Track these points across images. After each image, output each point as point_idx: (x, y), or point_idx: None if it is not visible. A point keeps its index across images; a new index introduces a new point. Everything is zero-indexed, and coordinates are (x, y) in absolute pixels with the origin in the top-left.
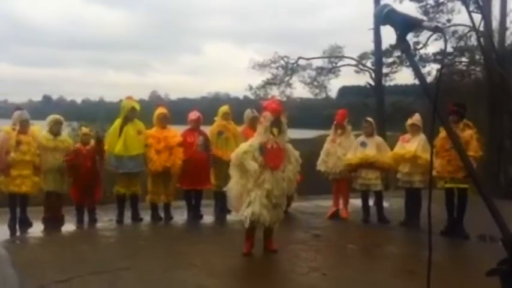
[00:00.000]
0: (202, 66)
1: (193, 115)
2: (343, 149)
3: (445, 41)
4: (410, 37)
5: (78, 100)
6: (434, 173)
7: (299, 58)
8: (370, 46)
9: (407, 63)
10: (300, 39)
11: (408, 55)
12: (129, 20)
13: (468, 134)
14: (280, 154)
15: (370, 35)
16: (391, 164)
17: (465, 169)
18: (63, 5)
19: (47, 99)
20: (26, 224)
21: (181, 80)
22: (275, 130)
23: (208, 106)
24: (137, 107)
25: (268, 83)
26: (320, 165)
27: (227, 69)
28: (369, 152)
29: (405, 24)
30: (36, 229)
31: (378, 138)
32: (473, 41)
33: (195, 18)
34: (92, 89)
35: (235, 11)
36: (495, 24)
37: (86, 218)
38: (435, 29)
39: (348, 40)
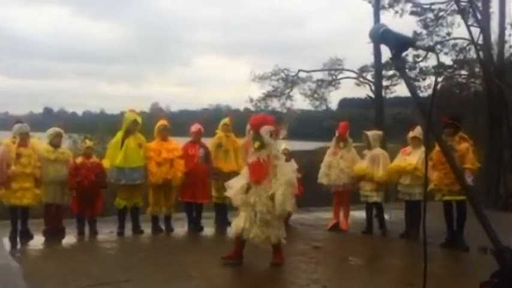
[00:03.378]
0: (195, 78)
1: (194, 127)
2: (346, 162)
3: (438, 59)
4: (410, 50)
5: (79, 112)
6: (431, 185)
7: (299, 71)
8: (370, 59)
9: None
10: (291, 51)
11: (402, 73)
12: (117, 32)
13: (464, 146)
14: (262, 169)
15: (370, 48)
16: (381, 177)
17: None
18: (51, 18)
19: (47, 111)
20: (27, 236)
21: (177, 91)
22: (256, 144)
23: (209, 118)
24: (139, 120)
25: (268, 95)
26: (322, 178)
27: (220, 81)
28: (361, 164)
29: (399, 44)
30: (37, 241)
31: (376, 151)
32: (472, 54)
33: (183, 31)
34: (86, 101)
35: (223, 24)
36: (494, 37)
37: (86, 230)
38: (428, 49)
39: (347, 52)
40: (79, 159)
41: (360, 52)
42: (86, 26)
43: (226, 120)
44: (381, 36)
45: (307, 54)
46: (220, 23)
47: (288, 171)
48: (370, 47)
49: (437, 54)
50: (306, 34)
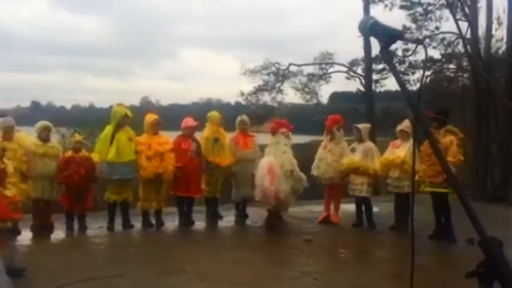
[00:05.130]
0: (183, 72)
1: (191, 122)
2: (333, 155)
3: (426, 52)
4: (399, 44)
5: (68, 106)
6: (417, 177)
7: (290, 64)
8: (360, 53)
9: (396, 71)
10: (279, 45)
11: (391, 66)
12: (100, 26)
13: (448, 140)
14: None
15: (360, 42)
16: (376, 170)
17: (444, 174)
18: (31, 10)
19: (35, 105)
20: (15, 232)
21: (165, 85)
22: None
23: (199, 112)
24: (129, 113)
25: (259, 89)
26: (313, 170)
27: (208, 75)
28: (354, 158)
29: (388, 36)
30: (25, 237)
31: (368, 144)
32: (460, 48)
33: (169, 25)
34: (73, 95)
35: (209, 18)
36: (481, 32)
37: (75, 225)
38: (416, 41)
39: (337, 47)
40: (68, 153)
41: (350, 46)
42: (66, 19)
43: (218, 114)
44: (369, 28)
45: (295, 48)
46: (207, 17)
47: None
48: (361, 40)
49: (425, 47)
50: (294, 28)
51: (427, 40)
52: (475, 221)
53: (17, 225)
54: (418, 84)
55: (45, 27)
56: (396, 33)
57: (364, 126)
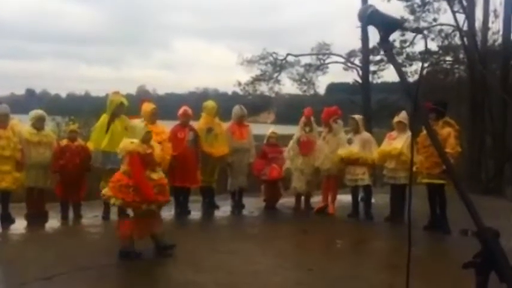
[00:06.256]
0: (175, 61)
1: (181, 110)
2: (330, 147)
3: (426, 42)
4: (397, 36)
5: (63, 94)
6: (414, 168)
7: (288, 54)
8: (358, 44)
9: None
10: (273, 35)
11: (390, 55)
12: (92, 15)
13: (446, 131)
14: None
15: (358, 33)
16: (374, 160)
17: (442, 165)
18: None
19: (30, 93)
20: (9, 220)
21: (159, 74)
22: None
23: (196, 102)
24: (125, 102)
25: (257, 79)
26: (315, 161)
27: (201, 65)
28: (352, 149)
29: (388, 25)
30: (19, 226)
31: (365, 135)
32: (457, 40)
33: (160, 14)
34: (67, 83)
35: (202, 8)
36: (478, 24)
37: (70, 214)
38: (416, 30)
39: (334, 38)
40: (64, 142)
41: (348, 37)
42: (58, 7)
43: (214, 104)
44: (369, 17)
45: (290, 39)
46: (199, 7)
47: None
48: (358, 32)
49: (425, 36)
50: (288, 19)
51: (425, 32)
52: (472, 211)
53: (162, 207)
54: (416, 76)
55: (35, 15)
56: (396, 22)
57: (359, 117)
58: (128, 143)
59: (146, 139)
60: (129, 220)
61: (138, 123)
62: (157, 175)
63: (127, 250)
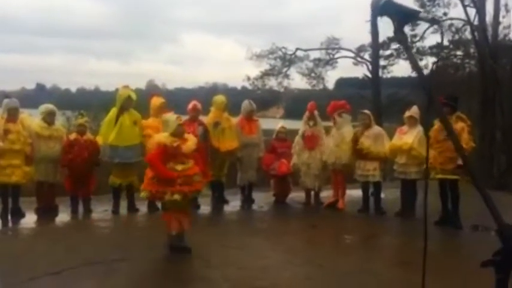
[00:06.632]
0: (184, 56)
1: (190, 104)
2: (335, 141)
3: (442, 33)
4: (407, 30)
5: (73, 89)
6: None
7: (297, 49)
8: (367, 38)
9: (405, 56)
10: (282, 30)
11: (405, 46)
12: (102, 9)
13: (460, 126)
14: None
15: (368, 27)
16: (386, 154)
17: (458, 160)
18: None
19: (40, 87)
20: (19, 214)
21: (168, 69)
22: None
23: (205, 96)
24: (133, 96)
25: (266, 74)
26: (322, 155)
27: (210, 59)
28: (363, 143)
29: (402, 16)
30: (29, 220)
31: (376, 129)
32: (468, 34)
33: (168, 9)
34: (76, 77)
35: (209, 2)
36: (489, 18)
37: (80, 209)
38: (432, 21)
39: (343, 33)
40: (73, 136)
41: (357, 32)
42: (65, 1)
43: (223, 98)
44: (382, 7)
45: (299, 33)
46: (207, 2)
47: None
48: (368, 26)
49: (441, 26)
50: (297, 13)
51: (435, 27)
52: (492, 208)
53: (191, 199)
54: (425, 71)
55: (45, 10)
56: (411, 13)
57: (369, 112)
58: (160, 136)
59: (179, 132)
60: (169, 212)
61: (170, 116)
62: (183, 166)
63: (177, 245)
